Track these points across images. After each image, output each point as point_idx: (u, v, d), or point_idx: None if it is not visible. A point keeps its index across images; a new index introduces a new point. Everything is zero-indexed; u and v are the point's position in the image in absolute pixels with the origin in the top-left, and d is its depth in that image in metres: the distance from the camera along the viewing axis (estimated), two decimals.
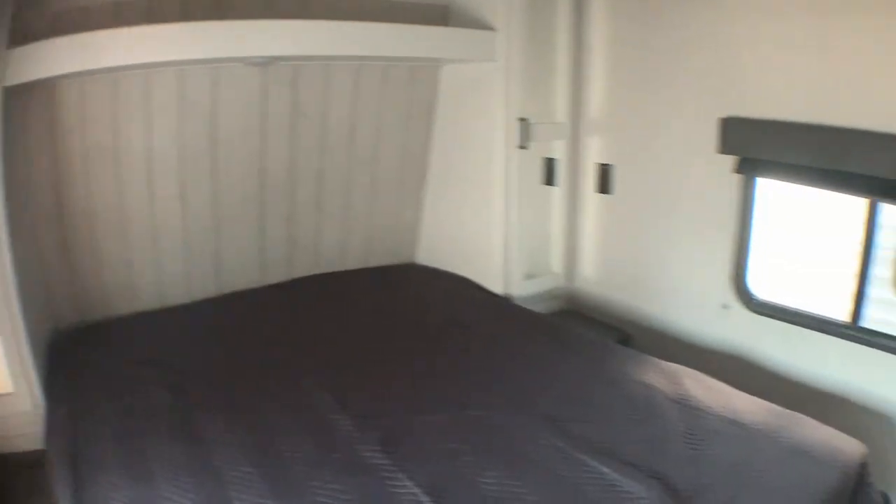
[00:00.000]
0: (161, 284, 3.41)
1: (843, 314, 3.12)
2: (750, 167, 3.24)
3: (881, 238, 3.01)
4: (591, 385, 2.76)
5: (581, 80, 3.94)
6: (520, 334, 3.28)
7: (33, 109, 2.85)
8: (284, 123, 3.52)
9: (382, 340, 3.18)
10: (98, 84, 2.94)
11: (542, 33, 3.76)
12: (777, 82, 3.11)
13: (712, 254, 3.47)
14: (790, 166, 3.10)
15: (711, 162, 3.33)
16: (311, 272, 3.91)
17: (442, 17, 3.72)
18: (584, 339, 3.24)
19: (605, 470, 2.16)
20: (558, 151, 3.99)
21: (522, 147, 3.68)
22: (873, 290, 3.07)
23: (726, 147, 3.28)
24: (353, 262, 4.09)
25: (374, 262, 4.17)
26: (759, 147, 3.19)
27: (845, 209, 3.16)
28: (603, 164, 3.96)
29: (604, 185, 3.98)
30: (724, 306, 3.46)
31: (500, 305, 3.68)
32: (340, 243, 4.02)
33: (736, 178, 3.29)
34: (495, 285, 3.85)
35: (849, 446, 2.32)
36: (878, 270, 3.05)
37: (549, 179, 4.05)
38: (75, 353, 2.93)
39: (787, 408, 2.55)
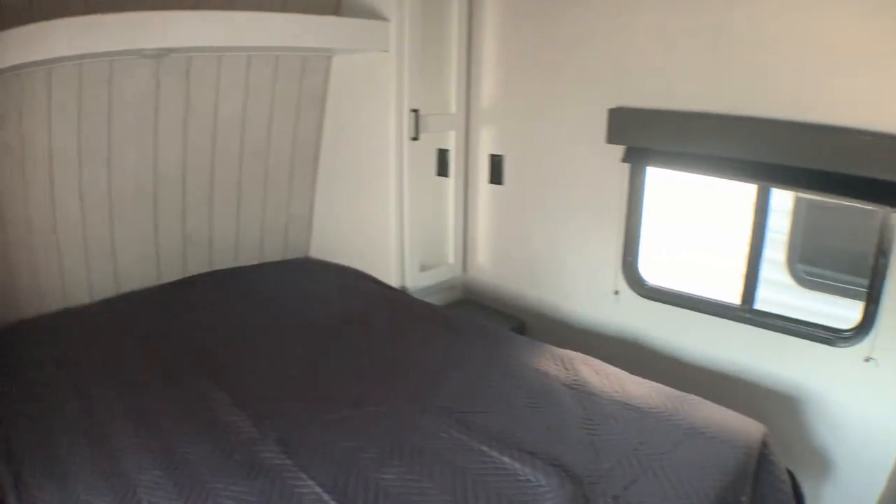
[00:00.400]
0: (64, 285, 3.28)
1: (735, 297, 3.22)
2: (637, 156, 3.31)
3: (772, 222, 3.13)
4: (489, 375, 2.76)
5: (473, 71, 3.95)
6: (416, 327, 3.27)
7: None
8: (177, 117, 3.42)
9: (278, 337, 3.11)
10: (5, 83, 2.83)
11: (435, 24, 3.75)
12: (666, 72, 3.19)
13: (604, 241, 3.53)
14: (678, 154, 3.18)
15: (601, 152, 3.38)
16: (205, 269, 3.82)
17: (334, 7, 3.66)
18: (480, 329, 3.25)
19: (506, 459, 2.17)
20: (451, 143, 3.99)
21: (414, 138, 3.66)
22: (766, 273, 3.19)
23: (614, 137, 3.33)
24: (246, 258, 4.00)
25: (267, 257, 4.09)
26: (645, 136, 3.26)
27: (736, 195, 3.28)
28: (495, 155, 3.98)
29: (496, 176, 4.01)
30: (616, 292, 3.54)
31: (395, 298, 3.65)
32: (233, 239, 3.93)
33: (625, 167, 3.37)
34: (390, 278, 3.83)
35: (747, 426, 2.40)
36: (770, 253, 3.18)
37: (443, 171, 4.05)
38: None
39: (685, 391, 2.62)
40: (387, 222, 3.78)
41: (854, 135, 2.65)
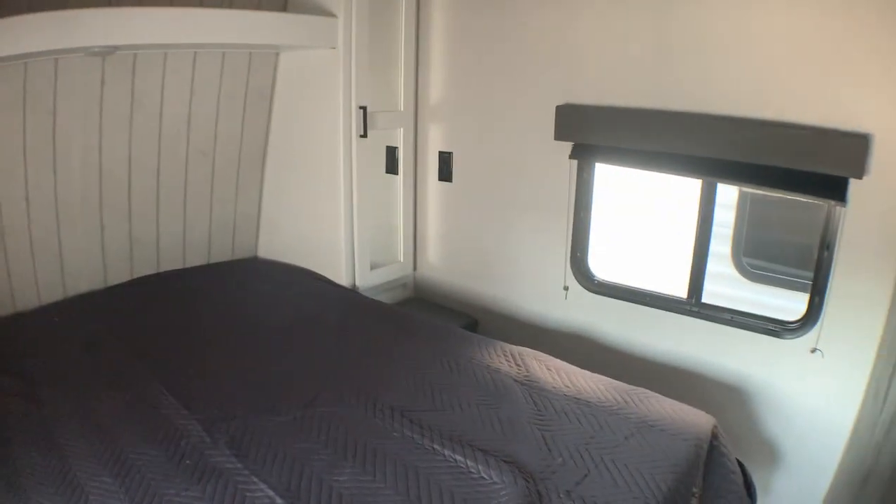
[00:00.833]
0: (12, 289, 3.20)
1: (682, 291, 3.26)
2: (585, 153, 3.32)
3: (718, 216, 3.17)
4: (440, 373, 2.76)
5: (422, 68, 3.93)
6: (366, 326, 3.25)
7: None
8: (122, 115, 3.35)
9: (226, 339, 3.06)
10: None
11: (383, 20, 3.72)
12: (613, 70, 3.22)
13: (553, 238, 3.55)
14: (625, 151, 3.20)
15: (549, 148, 3.40)
16: (153, 270, 3.75)
17: (281, 4, 3.62)
18: (430, 327, 3.23)
19: (459, 457, 2.17)
20: (400, 140, 3.97)
21: (363, 136, 3.63)
22: (711, 266, 3.23)
23: (561, 133, 3.35)
24: (193, 259, 3.93)
25: (215, 257, 4.03)
26: (591, 133, 3.29)
27: (682, 189, 3.31)
28: (444, 152, 3.98)
29: (446, 173, 4.00)
30: (566, 288, 3.55)
31: (345, 297, 3.62)
32: (180, 239, 3.85)
33: (573, 164, 3.38)
34: (340, 277, 3.79)
35: (697, 418, 2.43)
36: (716, 247, 3.22)
37: (392, 168, 4.03)
38: None
39: (635, 385, 2.65)
40: (336, 221, 3.74)
41: (797, 130, 2.70)
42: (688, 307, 3.22)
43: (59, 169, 3.20)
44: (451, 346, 2.99)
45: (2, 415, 2.36)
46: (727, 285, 3.85)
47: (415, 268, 4.27)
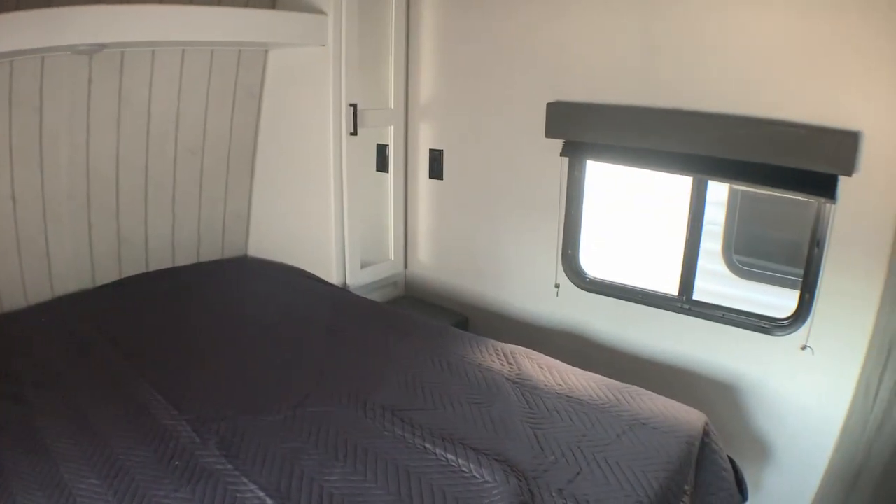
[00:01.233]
0: None
1: (673, 288, 3.26)
2: (575, 150, 3.32)
3: (708, 213, 3.17)
4: (432, 371, 2.75)
5: (412, 65, 3.92)
6: (357, 324, 3.23)
7: None
8: (110, 114, 3.33)
9: (216, 339, 3.04)
10: None
11: (373, 18, 3.71)
12: (604, 67, 3.21)
13: (545, 235, 3.54)
14: (616, 148, 3.20)
15: (540, 146, 3.39)
16: (141, 270, 3.72)
17: (270, 1, 3.60)
18: (421, 326, 3.22)
19: (450, 457, 2.16)
20: (390, 138, 3.96)
21: (353, 133, 3.62)
22: (703, 263, 3.23)
23: (552, 131, 3.35)
24: (182, 258, 3.91)
25: (205, 256, 4.01)
26: (582, 130, 3.28)
27: (673, 187, 3.32)
28: (435, 150, 3.97)
29: (436, 171, 3.99)
30: (557, 286, 3.55)
31: (336, 296, 3.61)
32: (169, 238, 3.84)
33: (564, 161, 3.38)
34: (331, 275, 3.78)
35: (689, 415, 2.43)
36: (706, 244, 3.22)
37: (382, 166, 4.02)
38: None
39: (626, 382, 2.65)
40: (326, 219, 3.73)
41: (787, 127, 2.70)
42: (679, 304, 3.22)
43: (46, 168, 3.18)
44: (442, 345, 2.98)
45: None
46: (718, 282, 3.86)
47: (405, 266, 4.27)
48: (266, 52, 3.77)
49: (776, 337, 2.94)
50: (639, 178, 3.65)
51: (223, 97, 3.74)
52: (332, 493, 1.98)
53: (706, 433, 2.40)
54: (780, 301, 3.26)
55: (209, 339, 3.05)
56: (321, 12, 3.43)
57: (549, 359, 2.85)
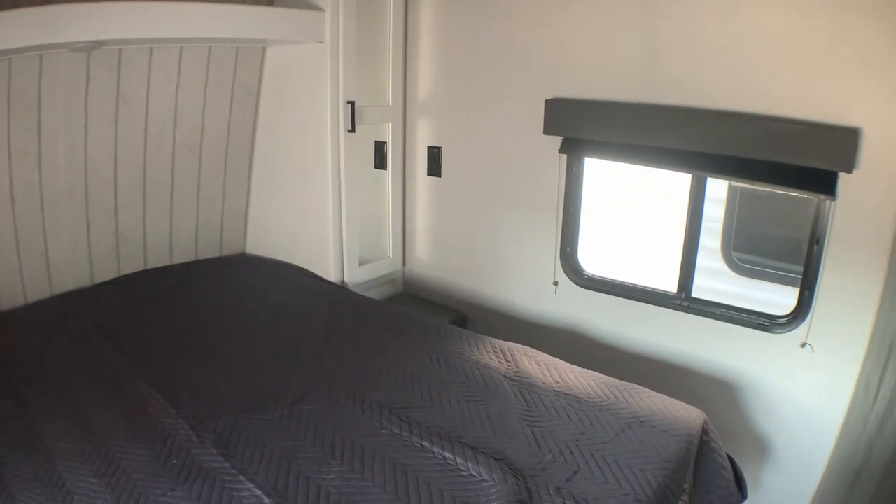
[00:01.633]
0: None
1: (672, 286, 3.25)
2: (574, 147, 3.31)
3: (707, 210, 3.16)
4: (430, 369, 2.74)
5: (410, 62, 3.91)
6: (354, 322, 3.22)
7: None
8: (108, 111, 3.32)
9: (213, 336, 3.04)
10: None
11: (371, 14, 3.69)
12: (602, 64, 3.20)
13: (543, 232, 3.54)
14: (614, 145, 3.19)
15: (539, 143, 3.39)
16: (140, 267, 3.71)
17: None
18: (419, 323, 3.21)
19: (448, 455, 2.15)
20: (388, 135, 3.95)
21: (351, 130, 3.61)
22: (702, 261, 3.22)
23: (550, 127, 3.34)
24: (181, 256, 3.90)
25: (203, 254, 4.00)
26: (581, 126, 3.27)
27: (669, 184, 3.31)
28: (433, 147, 3.95)
29: (434, 168, 3.98)
30: (556, 283, 3.54)
31: (333, 293, 3.59)
32: (167, 236, 3.83)
33: (563, 158, 3.37)
34: (329, 273, 3.77)
35: (688, 413, 2.42)
36: (706, 242, 3.21)
37: (381, 163, 4.01)
38: None
39: (625, 380, 2.65)
40: (324, 216, 3.72)
41: (786, 124, 2.69)
42: (678, 302, 3.21)
43: (44, 165, 3.17)
44: (440, 343, 2.98)
45: None
46: (717, 280, 3.85)
47: (404, 263, 4.26)
48: (264, 48, 3.76)
49: (776, 334, 2.93)
50: (638, 175, 3.64)
51: (221, 94, 3.72)
52: (330, 492, 1.97)
53: (705, 431, 2.39)
54: (779, 298, 3.25)
55: (207, 336, 3.04)
56: (318, 9, 3.42)
57: (548, 356, 2.85)
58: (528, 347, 2.92)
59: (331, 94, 3.52)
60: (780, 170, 2.74)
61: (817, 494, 2.87)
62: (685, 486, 2.23)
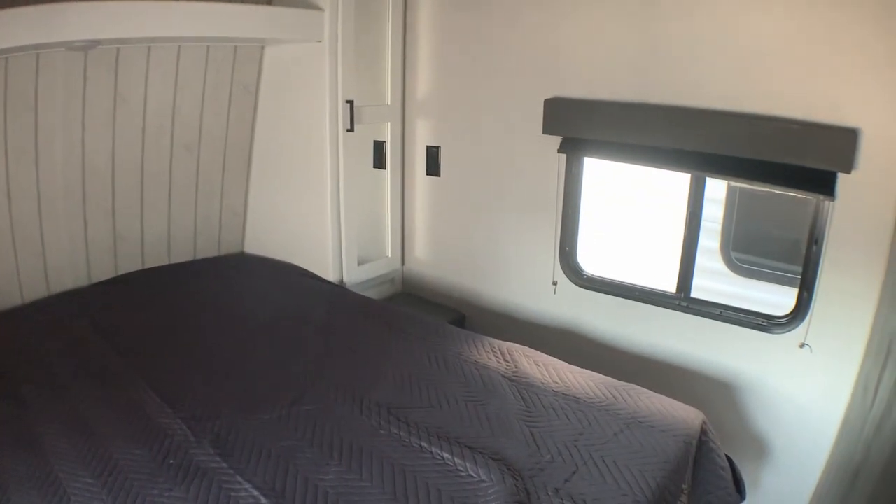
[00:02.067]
0: None
1: (671, 286, 3.24)
2: (573, 146, 3.30)
3: (706, 211, 3.16)
4: (427, 369, 2.74)
5: (409, 61, 3.91)
6: (354, 322, 3.22)
7: None
8: (105, 110, 3.32)
9: (212, 336, 3.03)
10: None
11: (370, 14, 3.69)
12: (601, 63, 3.20)
13: (541, 232, 3.53)
14: (613, 144, 3.18)
15: (538, 142, 3.38)
16: (137, 267, 3.71)
17: None
18: (417, 323, 3.21)
19: (446, 455, 2.15)
20: (387, 134, 3.95)
21: (350, 130, 3.61)
22: (701, 261, 3.22)
23: (549, 127, 3.33)
24: (179, 255, 3.90)
25: (201, 253, 4.00)
26: (580, 126, 3.27)
27: (669, 185, 3.30)
28: (432, 147, 3.95)
29: (434, 168, 3.98)
30: (555, 283, 3.54)
31: (332, 293, 3.60)
32: (165, 235, 3.82)
33: (562, 158, 3.36)
34: (328, 272, 3.77)
35: (687, 414, 2.43)
36: (705, 242, 3.20)
37: (380, 163, 4.01)
38: None
39: (624, 380, 2.65)
40: (323, 216, 3.72)
41: (785, 124, 2.69)
42: (677, 302, 3.21)
43: (41, 164, 3.17)
44: (438, 342, 2.97)
45: None
46: (717, 280, 3.85)
47: (403, 263, 4.25)
48: (262, 48, 3.75)
49: (774, 335, 2.93)
50: (638, 173, 3.64)
51: (219, 93, 3.72)
52: (328, 492, 1.97)
53: (704, 432, 2.39)
54: (778, 299, 3.25)
55: (205, 336, 3.04)
56: (317, 8, 3.41)
57: (546, 356, 2.85)
58: (526, 347, 2.92)
59: (329, 94, 3.51)
60: (779, 170, 2.73)
61: (815, 495, 2.87)
62: (684, 486, 2.23)
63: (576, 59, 3.27)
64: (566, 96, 3.29)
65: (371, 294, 3.88)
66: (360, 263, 3.91)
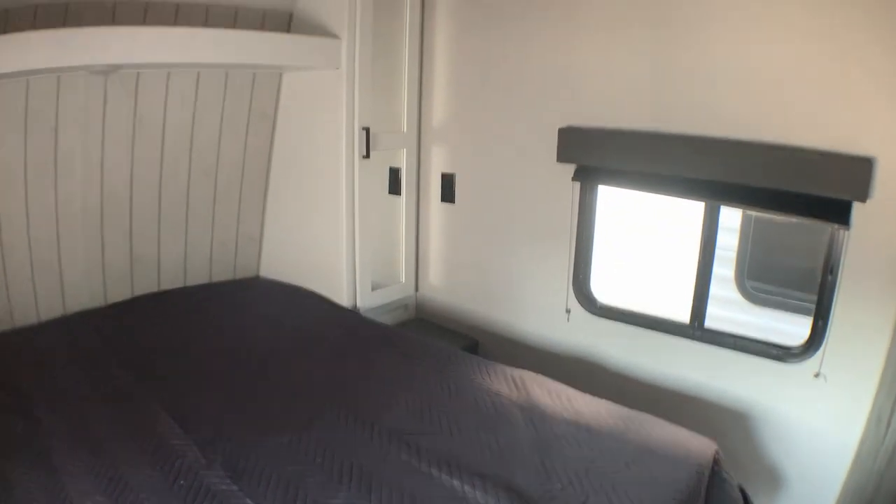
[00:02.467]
0: (10, 305, 3.19)
1: (685, 315, 3.23)
2: (587, 175, 3.31)
3: (721, 239, 3.15)
4: (438, 396, 2.74)
5: (424, 89, 3.94)
6: (366, 347, 3.23)
7: None
8: (124, 133, 3.36)
9: (225, 359, 3.04)
10: None
11: (386, 42, 3.73)
12: (615, 93, 3.21)
13: (555, 260, 3.53)
14: (627, 173, 3.19)
15: (552, 171, 3.39)
16: (153, 289, 3.74)
17: (285, 24, 3.63)
18: (430, 349, 3.21)
19: (456, 483, 2.14)
20: (403, 161, 3.98)
21: (366, 156, 3.63)
22: (716, 290, 3.20)
23: (564, 156, 3.35)
24: (195, 278, 3.92)
25: (217, 276, 4.01)
26: (594, 155, 3.27)
27: (685, 213, 3.30)
28: (447, 174, 3.97)
29: (448, 195, 3.99)
30: (568, 311, 3.53)
31: (346, 318, 3.60)
32: (182, 258, 3.85)
33: (576, 186, 3.37)
34: (342, 297, 3.77)
35: (699, 444, 2.40)
36: (720, 270, 3.19)
37: (395, 189, 4.03)
38: None
39: (636, 409, 2.63)
40: (338, 241, 3.74)
41: (800, 153, 2.69)
42: (690, 331, 3.19)
43: (60, 186, 3.20)
44: (451, 369, 2.97)
45: (1, 431, 2.34)
46: (731, 309, 3.83)
47: (416, 289, 4.26)
48: (280, 74, 3.79)
49: (789, 365, 2.91)
50: (657, 203, 3.64)
51: (237, 119, 3.76)
52: None
53: (716, 462, 2.36)
54: (793, 329, 3.23)
55: (219, 359, 3.05)
56: (335, 36, 3.45)
57: (559, 384, 2.83)
58: (539, 375, 2.91)
59: (346, 121, 3.54)
60: (794, 199, 2.73)
61: None
62: None
63: (590, 87, 3.29)
64: (580, 125, 3.30)
65: (384, 319, 3.89)
66: (373, 289, 3.91)
